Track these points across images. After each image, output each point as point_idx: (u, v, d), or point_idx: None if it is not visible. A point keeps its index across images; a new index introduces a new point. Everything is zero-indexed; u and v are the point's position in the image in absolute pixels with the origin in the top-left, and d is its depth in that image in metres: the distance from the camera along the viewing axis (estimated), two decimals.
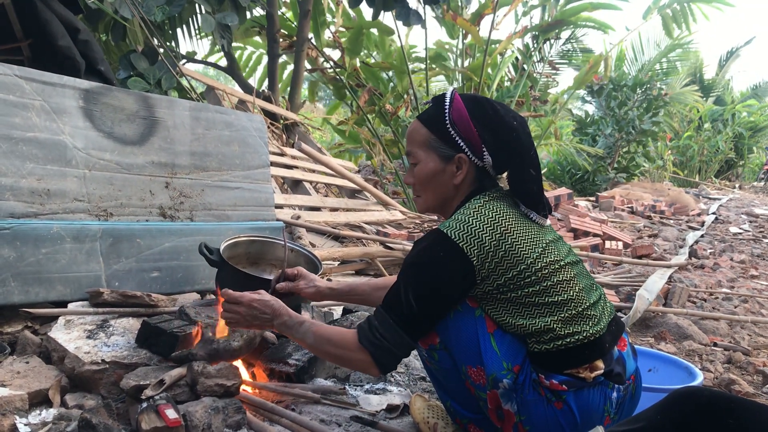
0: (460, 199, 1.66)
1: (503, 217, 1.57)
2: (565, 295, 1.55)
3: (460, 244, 1.50)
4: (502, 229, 1.55)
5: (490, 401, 1.55)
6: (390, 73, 8.51)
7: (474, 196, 1.63)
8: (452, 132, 1.62)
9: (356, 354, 1.55)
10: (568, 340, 1.52)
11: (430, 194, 1.69)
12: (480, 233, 1.52)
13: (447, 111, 1.63)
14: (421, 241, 1.59)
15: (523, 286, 1.53)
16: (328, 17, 7.91)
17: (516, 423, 1.54)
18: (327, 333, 1.62)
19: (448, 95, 1.65)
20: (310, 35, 7.56)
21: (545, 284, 1.54)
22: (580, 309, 1.56)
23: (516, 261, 1.53)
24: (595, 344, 1.55)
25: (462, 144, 1.62)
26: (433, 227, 1.63)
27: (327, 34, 7.90)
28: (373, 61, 8.64)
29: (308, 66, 7.93)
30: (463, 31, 8.66)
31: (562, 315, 1.54)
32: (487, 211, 1.57)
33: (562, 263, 1.59)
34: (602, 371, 1.54)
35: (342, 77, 7.84)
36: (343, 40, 7.84)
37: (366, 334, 1.55)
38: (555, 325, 1.52)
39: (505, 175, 1.71)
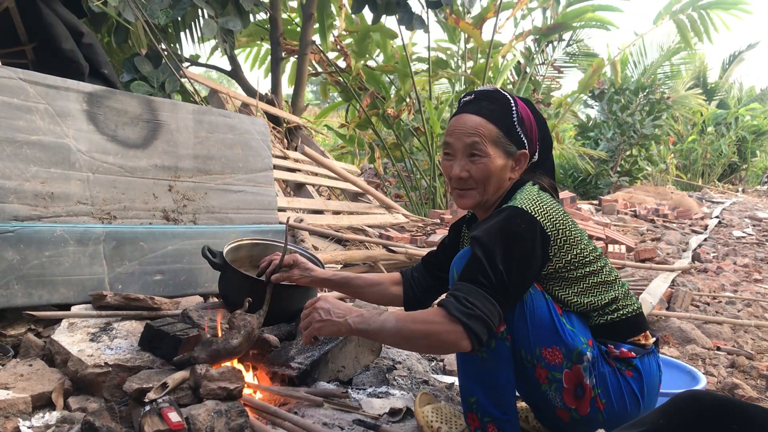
0: (505, 192, 1.74)
1: (557, 202, 1.69)
2: (613, 275, 1.69)
3: (537, 218, 1.57)
4: (562, 211, 1.65)
5: (567, 380, 1.57)
6: (392, 77, 8.52)
7: (520, 186, 1.71)
8: (518, 130, 1.70)
9: (446, 326, 1.47)
10: (628, 309, 1.66)
11: (489, 188, 1.71)
12: (549, 210, 1.61)
13: (514, 110, 1.70)
14: (492, 218, 1.60)
15: (584, 264, 1.63)
16: (336, 22, 7.92)
17: (593, 397, 1.58)
18: (410, 313, 1.60)
19: (508, 95, 1.73)
20: (315, 38, 7.57)
21: (598, 264, 1.66)
22: (626, 288, 1.72)
23: (576, 241, 1.63)
24: (642, 315, 1.71)
25: (525, 141, 1.72)
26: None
27: (332, 38, 7.92)
28: (374, 64, 8.65)
29: (315, 69, 7.95)
30: (465, 35, 8.67)
31: (620, 290, 1.68)
32: (545, 195, 1.68)
33: (599, 252, 1.70)
34: (655, 338, 1.71)
35: (346, 81, 7.85)
36: (347, 42, 7.86)
37: (455, 305, 1.48)
38: (618, 296, 1.66)
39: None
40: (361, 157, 9.30)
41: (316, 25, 7.41)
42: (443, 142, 1.76)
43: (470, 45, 8.96)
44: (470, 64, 9.10)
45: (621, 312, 1.65)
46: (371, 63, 8.63)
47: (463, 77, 8.87)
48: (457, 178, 1.71)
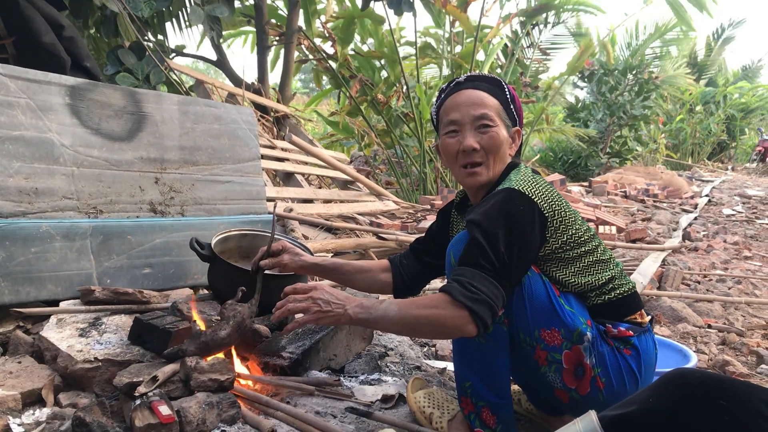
0: (500, 172, 1.74)
1: (549, 183, 1.70)
2: (607, 254, 1.71)
3: (534, 199, 1.57)
4: (555, 192, 1.66)
5: (567, 361, 1.57)
6: (381, 62, 8.47)
7: (512, 168, 1.72)
8: (512, 107, 1.76)
9: (452, 312, 1.46)
10: (624, 289, 1.67)
11: (497, 162, 1.72)
12: (545, 191, 1.61)
13: (506, 88, 1.77)
14: (489, 200, 1.59)
15: (579, 244, 1.63)
16: (319, 6, 7.85)
17: (593, 377, 1.58)
18: (413, 300, 1.58)
19: (496, 77, 1.79)
20: (301, 25, 7.51)
21: (593, 244, 1.67)
22: (620, 267, 1.73)
23: (571, 221, 1.63)
24: (637, 294, 1.72)
25: (517, 118, 1.78)
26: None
27: (318, 24, 7.86)
28: (365, 50, 8.59)
29: (304, 56, 7.89)
30: (450, 19, 8.61)
31: (615, 269, 1.69)
32: (539, 177, 1.69)
33: (592, 231, 1.71)
34: (650, 317, 1.72)
35: (333, 67, 7.80)
36: (333, 28, 7.80)
37: (458, 289, 1.47)
38: (614, 275, 1.67)
39: None
40: (352, 144, 9.27)
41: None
42: (447, 121, 1.74)
43: (457, 29, 8.89)
44: (458, 48, 9.05)
45: (617, 291, 1.66)
46: (358, 48, 8.57)
47: (450, 61, 8.82)
48: (469, 150, 1.69)
